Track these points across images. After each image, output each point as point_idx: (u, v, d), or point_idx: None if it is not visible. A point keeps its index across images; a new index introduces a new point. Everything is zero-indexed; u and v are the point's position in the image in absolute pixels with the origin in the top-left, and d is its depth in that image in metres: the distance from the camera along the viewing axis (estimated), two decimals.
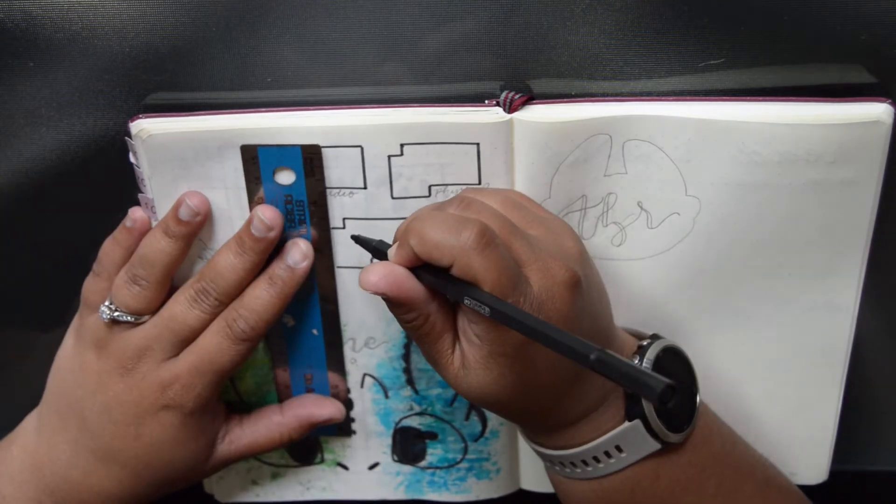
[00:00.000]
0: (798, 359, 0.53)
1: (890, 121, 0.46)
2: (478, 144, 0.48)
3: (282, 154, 0.48)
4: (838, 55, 0.47)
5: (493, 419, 0.57)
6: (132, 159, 0.49)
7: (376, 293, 0.43)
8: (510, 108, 0.47)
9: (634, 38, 0.47)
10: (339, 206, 0.50)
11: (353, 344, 0.55)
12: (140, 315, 0.49)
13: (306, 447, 0.59)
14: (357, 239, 0.49)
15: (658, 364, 0.46)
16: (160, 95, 0.49)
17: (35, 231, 0.53)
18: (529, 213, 0.46)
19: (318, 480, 0.60)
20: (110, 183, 0.51)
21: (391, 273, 0.43)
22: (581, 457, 0.47)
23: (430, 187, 0.49)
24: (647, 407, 0.45)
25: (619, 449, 0.46)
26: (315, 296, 0.53)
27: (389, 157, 0.48)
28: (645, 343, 0.47)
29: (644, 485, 0.47)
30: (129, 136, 0.48)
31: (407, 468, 0.59)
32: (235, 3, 0.47)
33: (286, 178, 0.49)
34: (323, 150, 0.48)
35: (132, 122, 0.48)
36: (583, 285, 0.43)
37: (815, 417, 0.55)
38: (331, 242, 0.51)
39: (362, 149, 0.48)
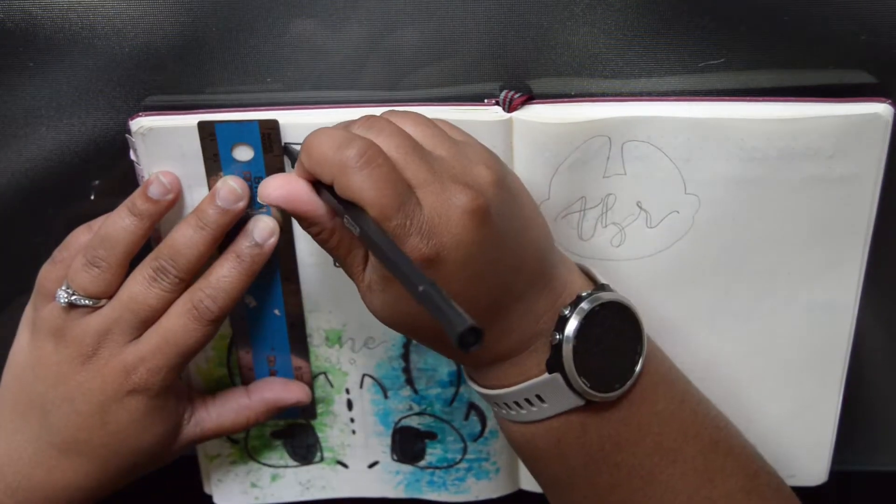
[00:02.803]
0: (798, 358, 0.53)
1: (889, 117, 0.46)
2: None
3: (240, 130, 0.47)
4: (838, 55, 0.47)
5: (493, 419, 0.57)
6: (133, 157, 0.49)
7: (270, 204, 0.42)
8: (510, 107, 0.47)
9: (634, 38, 0.47)
10: None
11: (352, 344, 0.55)
12: (98, 299, 0.48)
13: (306, 446, 0.59)
14: (286, 149, 0.48)
15: (594, 319, 0.44)
16: (160, 97, 0.49)
17: (35, 231, 0.53)
18: (442, 135, 0.43)
19: (318, 479, 0.60)
20: (110, 183, 0.51)
21: (287, 185, 0.42)
22: (504, 399, 0.45)
23: None
24: (567, 363, 0.43)
25: (540, 398, 0.45)
26: (277, 275, 0.52)
27: None
28: (584, 294, 0.44)
29: (570, 438, 0.45)
30: (130, 133, 0.48)
31: (406, 467, 0.60)
32: (235, 3, 0.47)
33: (244, 154, 0.48)
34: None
35: (132, 119, 0.48)
36: (490, 213, 0.40)
37: (815, 417, 0.55)
38: (291, 221, 0.50)
39: None
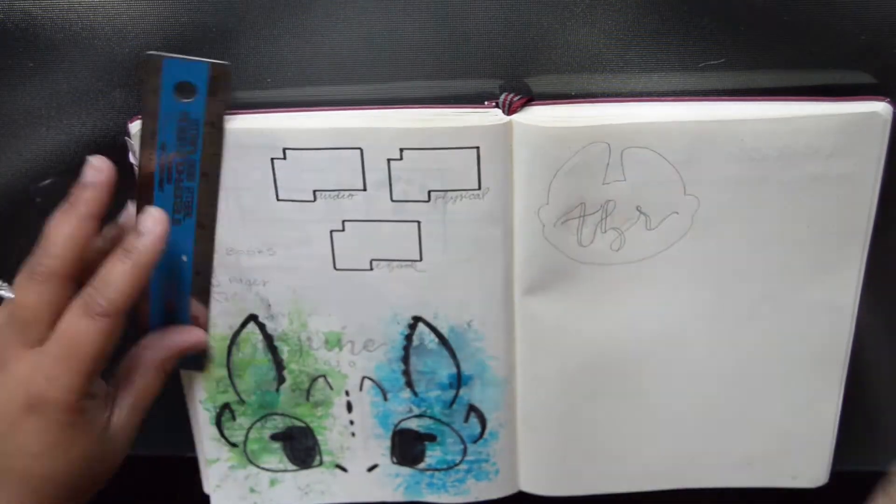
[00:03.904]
0: (798, 359, 0.53)
1: (888, 115, 0.46)
2: (477, 148, 0.48)
3: (188, 68, 0.46)
4: (838, 55, 0.47)
5: (493, 420, 0.57)
6: (132, 159, 0.49)
7: None
8: (509, 110, 0.47)
9: (634, 38, 0.48)
10: (337, 209, 0.50)
11: (351, 347, 0.55)
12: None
13: (305, 449, 0.59)
14: None
15: None
16: None
17: (35, 231, 0.52)
18: None
19: (317, 484, 0.60)
20: None
21: None
22: None
23: (429, 192, 0.49)
24: None
25: None
26: (192, 220, 0.50)
27: (389, 160, 0.48)
28: None
29: None
30: (129, 135, 0.48)
31: (406, 470, 0.59)
32: (235, 3, 0.47)
33: (186, 94, 0.47)
34: (322, 151, 0.48)
35: (131, 122, 0.48)
36: None
37: (815, 417, 0.55)
38: (220, 168, 0.49)
39: (362, 151, 0.48)
